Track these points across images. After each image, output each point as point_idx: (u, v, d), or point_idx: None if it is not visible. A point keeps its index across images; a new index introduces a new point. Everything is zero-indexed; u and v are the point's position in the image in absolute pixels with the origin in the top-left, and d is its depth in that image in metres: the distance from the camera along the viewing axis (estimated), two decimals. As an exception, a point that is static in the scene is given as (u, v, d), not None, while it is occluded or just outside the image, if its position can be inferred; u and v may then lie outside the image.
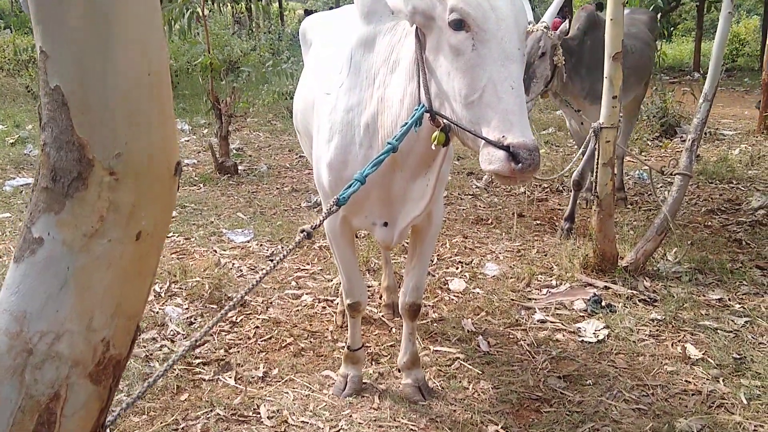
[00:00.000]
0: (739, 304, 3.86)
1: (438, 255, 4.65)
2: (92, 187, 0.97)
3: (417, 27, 2.03)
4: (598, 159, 4.02)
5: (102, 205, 0.98)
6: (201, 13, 6.57)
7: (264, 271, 1.58)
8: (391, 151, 1.96)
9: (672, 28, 21.11)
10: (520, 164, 1.74)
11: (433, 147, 2.04)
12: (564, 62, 4.53)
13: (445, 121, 1.99)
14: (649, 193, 6.23)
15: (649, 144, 8.32)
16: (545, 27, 4.49)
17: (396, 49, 2.29)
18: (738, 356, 3.27)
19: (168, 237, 5.07)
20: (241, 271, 4.42)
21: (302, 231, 1.63)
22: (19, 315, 1.06)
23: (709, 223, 5.34)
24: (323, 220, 1.70)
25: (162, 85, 0.97)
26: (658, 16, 10.34)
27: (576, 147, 5.52)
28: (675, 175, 4.22)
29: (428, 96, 2.02)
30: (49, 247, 1.05)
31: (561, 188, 6.34)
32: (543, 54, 4.47)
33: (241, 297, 1.56)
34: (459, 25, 1.84)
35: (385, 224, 2.58)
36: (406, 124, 2.01)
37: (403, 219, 2.50)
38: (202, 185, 6.59)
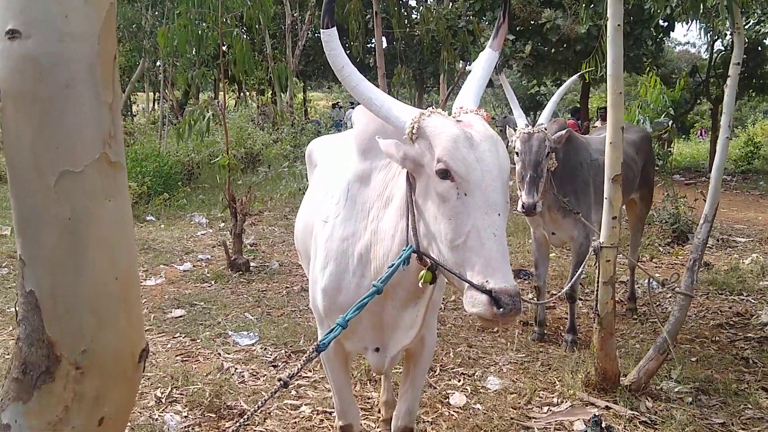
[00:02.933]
0: (743, 429, 3.79)
1: (441, 364, 4.65)
2: (59, 380, 1.05)
3: (407, 171, 2.13)
4: (598, 277, 4.05)
5: (67, 396, 1.05)
6: (221, 117, 6.82)
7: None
8: (375, 294, 2.02)
9: (690, 128, 21.43)
10: (501, 309, 1.79)
11: (420, 285, 2.10)
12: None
13: (431, 261, 2.06)
14: (658, 303, 6.22)
15: (661, 250, 8.33)
16: (544, 128, 4.61)
17: (390, 186, 2.39)
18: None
19: (175, 338, 5.13)
20: (242, 376, 4.44)
21: (279, 380, 1.69)
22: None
23: (717, 338, 5.29)
24: (302, 367, 1.76)
25: (130, 286, 1.06)
26: (671, 123, 10.52)
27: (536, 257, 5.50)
28: (676, 293, 4.23)
29: (416, 237, 2.09)
30: (15, 434, 1.10)
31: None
32: (548, 153, 4.56)
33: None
34: (445, 174, 1.92)
35: (377, 350, 2.62)
36: (393, 265, 2.08)
37: (394, 346, 2.55)
38: (213, 282, 6.70)
